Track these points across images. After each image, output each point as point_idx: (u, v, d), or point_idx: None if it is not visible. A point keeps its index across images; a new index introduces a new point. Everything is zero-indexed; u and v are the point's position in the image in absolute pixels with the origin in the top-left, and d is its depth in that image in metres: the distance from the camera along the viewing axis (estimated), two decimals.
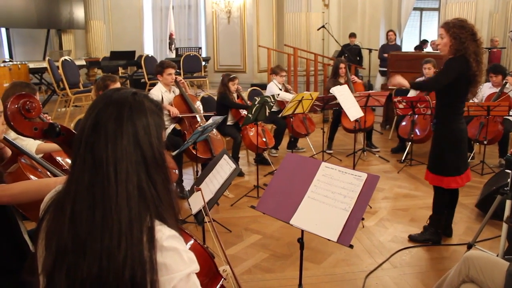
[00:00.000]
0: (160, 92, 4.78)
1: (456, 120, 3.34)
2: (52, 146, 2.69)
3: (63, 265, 1.02)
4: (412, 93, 6.34)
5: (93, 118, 1.07)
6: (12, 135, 2.31)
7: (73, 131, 1.69)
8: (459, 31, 3.17)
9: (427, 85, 3.78)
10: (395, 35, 9.75)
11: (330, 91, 5.55)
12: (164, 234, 1.04)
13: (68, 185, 1.08)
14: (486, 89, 5.91)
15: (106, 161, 1.03)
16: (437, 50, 9.96)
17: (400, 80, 3.57)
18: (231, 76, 5.50)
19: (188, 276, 1.05)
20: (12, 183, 1.82)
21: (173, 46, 10.38)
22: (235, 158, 5.24)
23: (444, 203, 3.52)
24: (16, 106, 1.61)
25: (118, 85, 3.64)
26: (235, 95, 5.60)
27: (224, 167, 2.68)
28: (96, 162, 1.04)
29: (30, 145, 2.68)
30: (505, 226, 2.79)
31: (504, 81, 5.62)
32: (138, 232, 1.01)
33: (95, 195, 1.03)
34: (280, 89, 6.28)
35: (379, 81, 10.06)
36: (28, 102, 1.62)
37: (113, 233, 1.00)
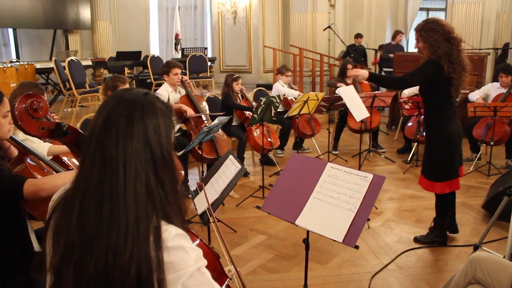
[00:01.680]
0: (167, 92, 4.79)
1: (444, 123, 3.26)
2: (63, 148, 2.71)
3: (71, 262, 1.03)
4: (407, 93, 6.27)
5: (104, 116, 1.08)
6: (21, 136, 2.33)
7: (80, 131, 1.70)
8: (427, 35, 3.13)
9: (394, 81, 3.54)
10: (403, 36, 9.65)
11: (336, 91, 5.54)
12: (171, 233, 1.05)
13: (76, 183, 1.09)
14: (493, 90, 5.87)
15: (116, 158, 1.04)
16: None
17: (357, 73, 3.48)
18: (235, 76, 5.50)
19: (198, 271, 1.06)
20: (41, 178, 1.84)
21: (179, 46, 10.40)
22: (240, 159, 5.24)
23: (446, 206, 3.49)
24: (24, 105, 1.62)
25: (127, 86, 3.64)
26: (239, 95, 5.61)
27: (230, 167, 2.68)
28: (105, 159, 1.05)
29: (42, 147, 2.69)
30: None
31: None
32: (145, 230, 1.02)
33: (104, 192, 1.04)
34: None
35: None
36: (35, 102, 1.63)
37: (120, 231, 1.01)
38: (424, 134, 3.37)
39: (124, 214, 1.02)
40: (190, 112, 4.71)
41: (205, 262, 1.09)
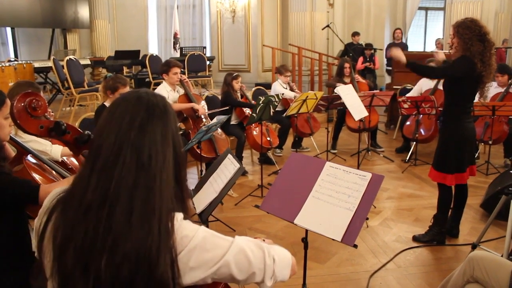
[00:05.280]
0: (166, 91, 4.79)
1: (462, 119, 3.33)
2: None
3: (81, 262, 1.02)
4: (413, 93, 6.31)
5: (131, 119, 1.10)
6: (25, 137, 2.32)
7: (79, 129, 1.69)
8: (463, 31, 3.19)
9: (428, 70, 3.66)
10: (401, 33, 9.66)
11: (335, 90, 5.54)
12: (177, 219, 1.11)
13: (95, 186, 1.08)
14: (491, 89, 5.87)
15: (155, 162, 1.08)
16: (441, 49, 9.94)
17: (397, 53, 3.58)
18: (234, 75, 5.50)
19: (205, 233, 1.14)
20: (54, 184, 1.85)
21: (177, 45, 10.39)
22: (239, 158, 5.24)
23: (449, 202, 3.51)
24: (22, 104, 1.62)
25: (127, 89, 3.64)
26: (239, 94, 5.60)
27: (229, 167, 2.68)
28: (140, 163, 1.07)
29: (54, 150, 2.69)
30: (510, 226, 2.78)
31: (510, 81, 5.59)
32: (164, 230, 1.06)
33: (135, 197, 1.06)
34: (285, 89, 6.28)
35: (387, 80, 10.03)
36: (34, 101, 1.63)
37: (147, 231, 1.05)
38: (440, 126, 3.44)
39: (157, 217, 1.06)
40: (201, 110, 4.75)
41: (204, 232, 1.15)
